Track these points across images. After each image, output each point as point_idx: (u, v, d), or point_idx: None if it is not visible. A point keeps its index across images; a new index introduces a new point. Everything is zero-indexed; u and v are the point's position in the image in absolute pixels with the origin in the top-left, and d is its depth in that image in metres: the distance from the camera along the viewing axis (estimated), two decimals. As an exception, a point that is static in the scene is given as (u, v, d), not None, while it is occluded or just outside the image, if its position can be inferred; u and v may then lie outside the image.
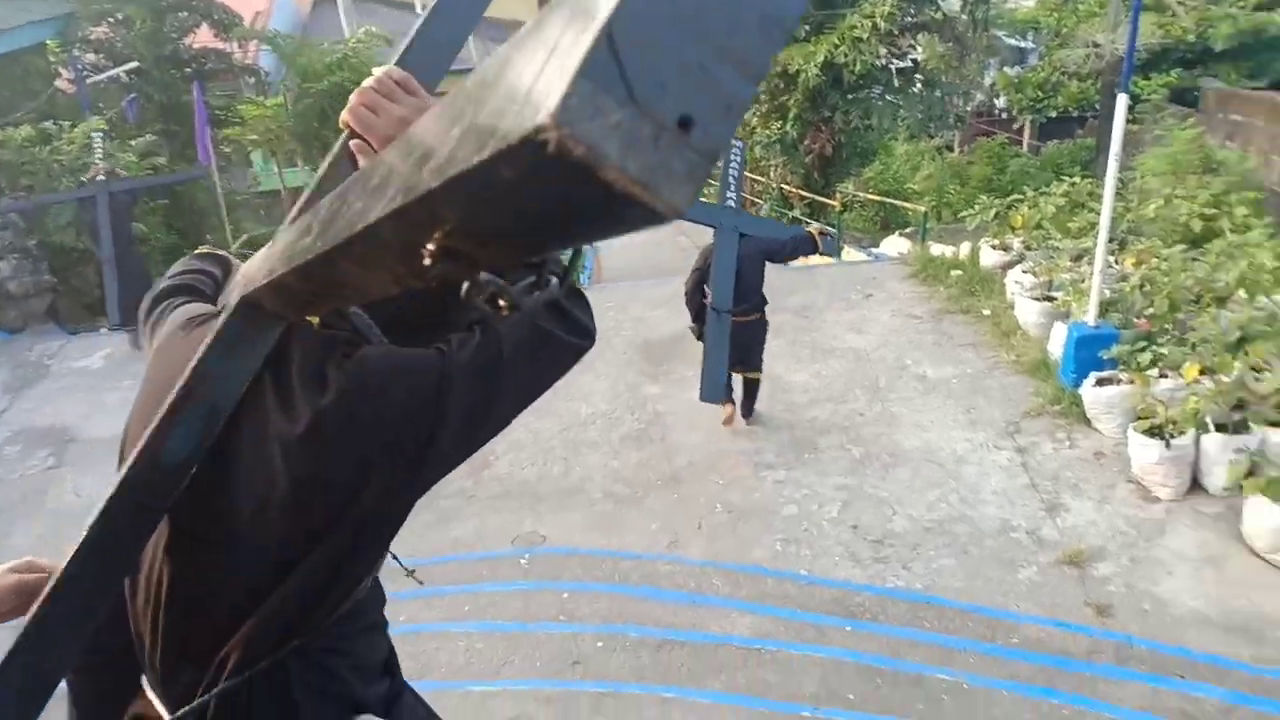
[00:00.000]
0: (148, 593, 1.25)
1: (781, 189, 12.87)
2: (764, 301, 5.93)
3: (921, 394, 6.37)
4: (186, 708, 1.21)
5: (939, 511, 4.95)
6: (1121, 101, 5.30)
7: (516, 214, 0.48)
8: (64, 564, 1.13)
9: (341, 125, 1.15)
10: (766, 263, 5.78)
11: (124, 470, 1.12)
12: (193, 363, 1.10)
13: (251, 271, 1.07)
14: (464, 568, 4.74)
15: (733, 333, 5.58)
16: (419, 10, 22.33)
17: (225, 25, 14.09)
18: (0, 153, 9.21)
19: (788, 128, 11.92)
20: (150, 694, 1.31)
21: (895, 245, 10.60)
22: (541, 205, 0.45)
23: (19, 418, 7.44)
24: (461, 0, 1.32)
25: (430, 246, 0.53)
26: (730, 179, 5.72)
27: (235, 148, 15.28)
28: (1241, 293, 5.99)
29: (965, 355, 6.90)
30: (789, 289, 8.77)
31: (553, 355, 1.28)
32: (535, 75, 0.40)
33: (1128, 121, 11.84)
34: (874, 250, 11.37)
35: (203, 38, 14.48)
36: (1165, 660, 3.56)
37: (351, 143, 1.14)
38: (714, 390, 5.69)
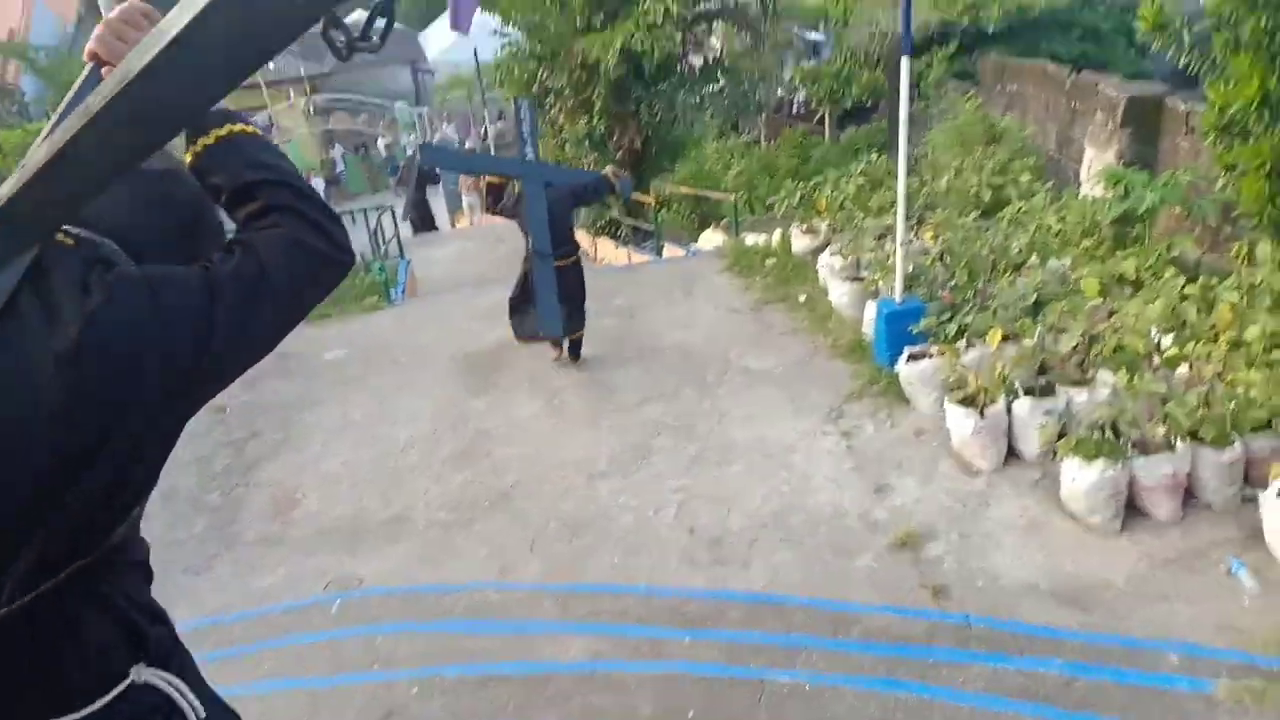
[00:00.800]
0: None
1: (596, 189, 12.73)
2: (577, 247, 6.84)
3: (748, 386, 6.32)
4: None
5: (773, 504, 4.87)
6: (905, 64, 5.38)
7: None
8: None
9: (87, 57, 1.26)
10: (575, 206, 6.82)
11: None
12: None
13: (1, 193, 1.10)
14: (266, 622, 4.25)
15: (558, 281, 6.37)
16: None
17: (-39, 41, 12.58)
18: None
19: (595, 123, 11.77)
20: None
21: (711, 240, 10.65)
22: None
23: None
24: None
25: None
26: (524, 136, 6.44)
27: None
28: (1034, 257, 6.28)
29: (786, 343, 6.93)
30: (613, 291, 8.62)
31: (313, 269, 1.32)
32: None
33: (915, 98, 12.41)
34: (693, 246, 11.40)
35: (-63, 56, 12.89)
36: (1002, 637, 3.57)
37: (103, 69, 1.23)
38: (552, 325, 6.50)
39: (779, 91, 21.57)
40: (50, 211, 1.15)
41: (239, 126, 1.34)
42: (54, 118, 1.27)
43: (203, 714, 1.40)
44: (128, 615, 1.33)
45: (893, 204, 6.14)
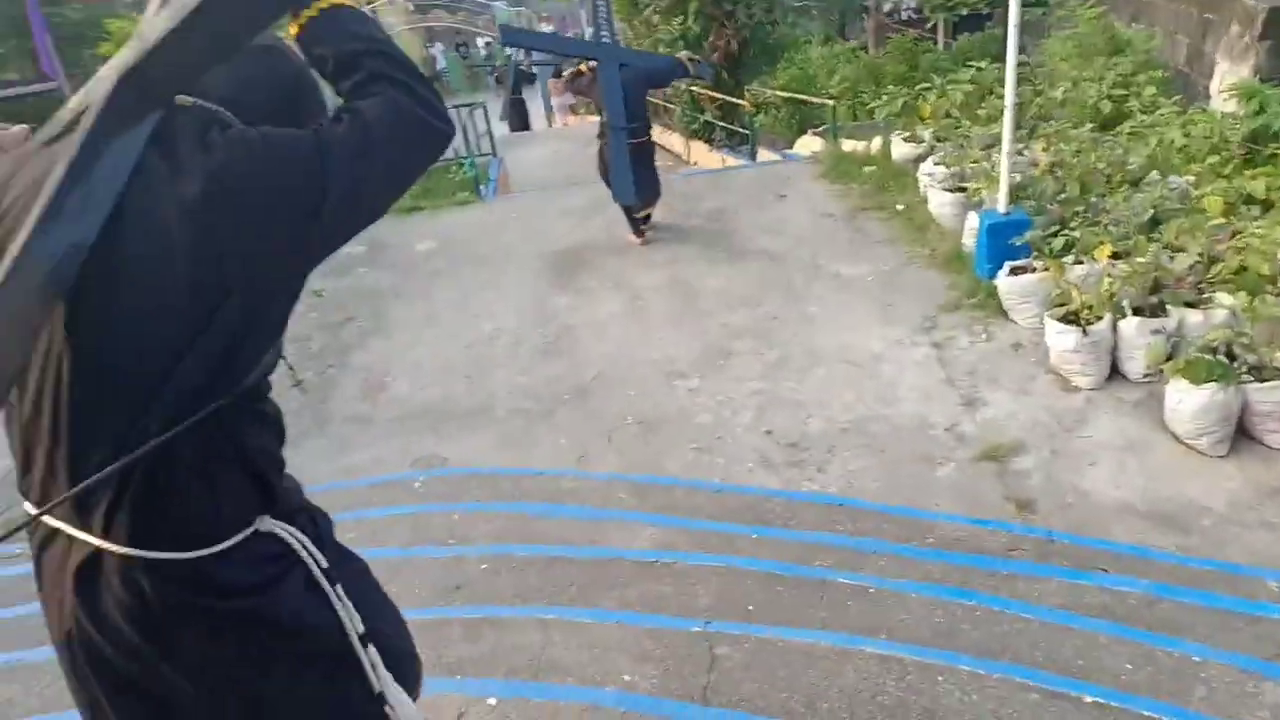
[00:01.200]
0: (40, 394, 1.27)
1: (691, 91, 12.39)
2: (649, 125, 7.35)
3: (836, 293, 6.15)
4: (102, 473, 1.22)
5: (855, 412, 4.77)
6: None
7: None
8: None
9: None
10: (649, 87, 7.27)
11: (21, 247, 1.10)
12: (80, 138, 1.13)
13: (121, 60, 1.15)
14: (353, 494, 4.39)
15: (631, 156, 6.79)
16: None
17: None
18: None
19: (689, 23, 11.39)
20: (60, 523, 1.32)
21: (808, 145, 10.31)
22: None
23: None
24: None
25: None
26: (601, 19, 6.85)
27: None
28: (1154, 173, 5.87)
29: (880, 252, 6.70)
30: (702, 194, 8.46)
31: (416, 136, 1.37)
32: None
33: (1032, 5, 11.65)
34: (787, 151, 11.06)
35: (54, -57, 13.17)
36: (1088, 554, 3.44)
37: None
38: (625, 192, 6.94)
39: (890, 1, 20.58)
40: (174, 76, 1.24)
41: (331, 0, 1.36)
42: None
43: (324, 564, 1.47)
44: (257, 465, 1.40)
45: (1001, 113, 5.80)
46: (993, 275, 5.57)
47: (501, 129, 16.91)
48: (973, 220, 6.06)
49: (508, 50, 23.93)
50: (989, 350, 5.15)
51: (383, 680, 1.53)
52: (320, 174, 1.27)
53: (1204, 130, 6.44)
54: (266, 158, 1.27)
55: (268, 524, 1.42)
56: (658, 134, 13.75)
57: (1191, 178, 5.92)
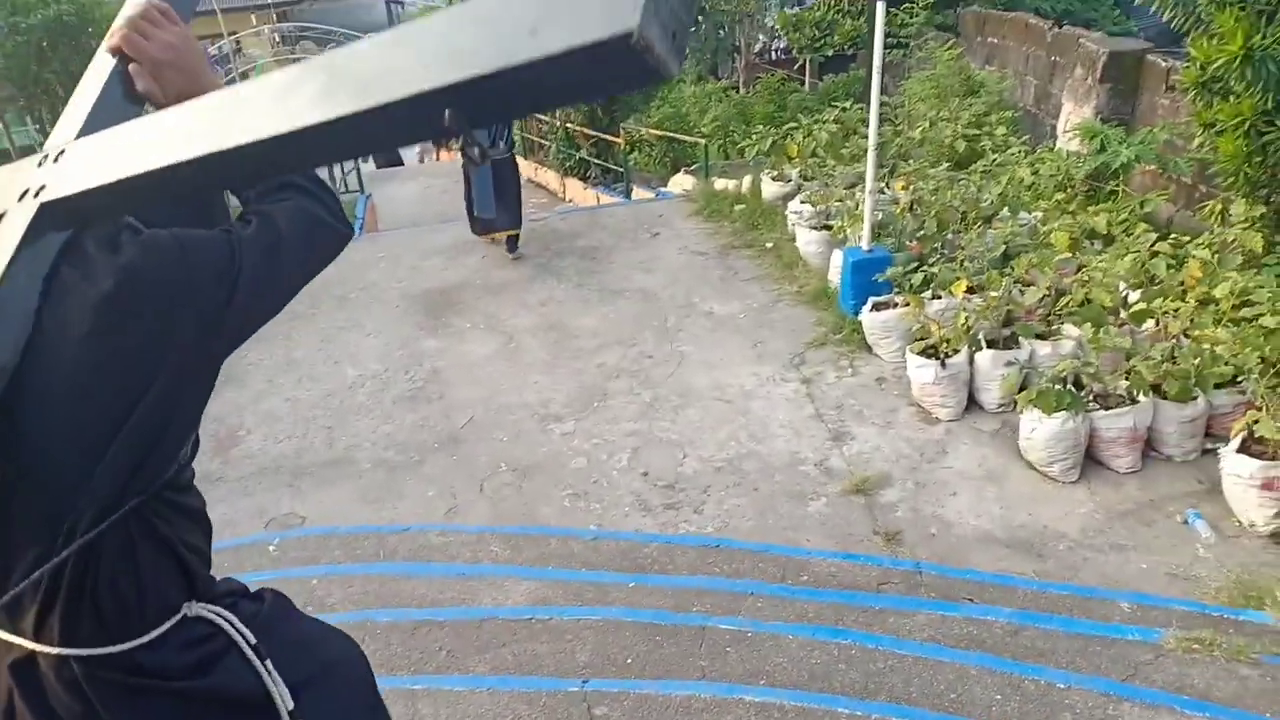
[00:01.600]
0: None
1: (566, 128, 12.41)
2: (512, 145, 7.82)
3: (710, 331, 6.19)
4: (35, 574, 1.25)
5: (729, 450, 4.77)
6: (879, 10, 5.21)
7: (563, 85, 0.81)
8: None
9: (111, 51, 1.32)
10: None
11: None
12: None
13: (58, 179, 1.17)
14: (202, 563, 4.10)
15: (494, 174, 7.26)
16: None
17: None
18: None
19: (564, 61, 11.43)
20: None
21: (681, 183, 10.43)
22: (591, 80, 0.81)
23: None
24: None
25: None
26: None
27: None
28: (1005, 210, 6.15)
29: (751, 289, 6.79)
30: (577, 232, 8.42)
31: (320, 237, 1.45)
32: None
33: (893, 48, 12.17)
34: (661, 189, 11.18)
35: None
36: (954, 584, 3.51)
37: (130, 66, 1.31)
38: (485, 206, 7.45)
39: (760, 38, 21.22)
40: (116, 208, 1.28)
41: None
42: (76, 106, 1.30)
43: (253, 641, 1.48)
44: (182, 556, 1.42)
45: (864, 152, 5.99)
46: (857, 311, 5.71)
47: (369, 164, 16.52)
48: (838, 257, 6.21)
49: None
50: (855, 385, 5.25)
51: None
52: (232, 276, 1.32)
53: (1051, 169, 6.81)
54: (179, 258, 1.30)
55: (195, 609, 1.44)
56: (531, 170, 13.75)
57: (1040, 214, 6.23)
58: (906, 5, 13.65)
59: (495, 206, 7.46)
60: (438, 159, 19.18)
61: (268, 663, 1.49)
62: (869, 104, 5.68)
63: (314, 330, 6.69)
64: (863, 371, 5.39)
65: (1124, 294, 5.07)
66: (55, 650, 1.33)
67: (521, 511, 4.41)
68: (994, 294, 4.96)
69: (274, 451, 5.14)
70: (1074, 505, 4.00)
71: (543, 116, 12.90)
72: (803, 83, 16.80)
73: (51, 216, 1.18)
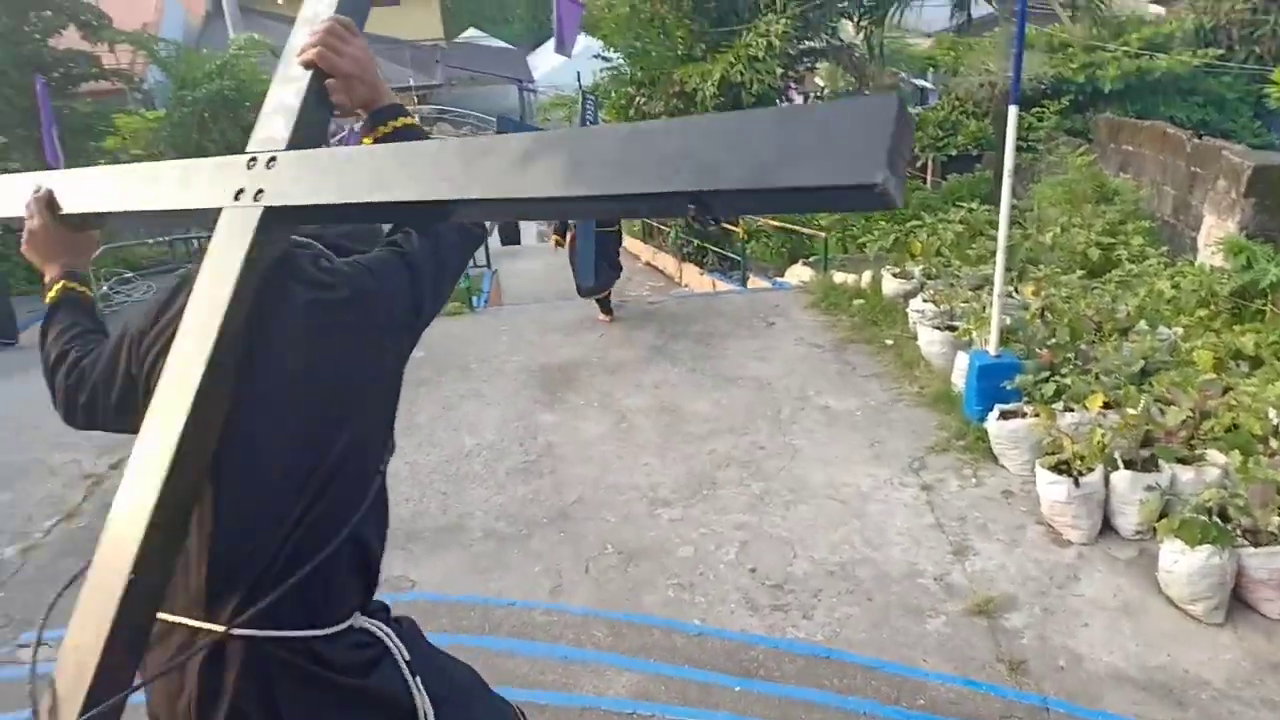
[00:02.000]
0: (201, 498, 1.38)
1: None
2: (618, 220, 8.31)
3: (825, 426, 6.08)
4: (291, 580, 1.38)
5: (843, 554, 4.62)
6: (1011, 113, 5.15)
7: (801, 200, 0.98)
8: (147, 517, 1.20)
9: (305, 65, 1.42)
10: None
11: (192, 393, 1.24)
12: (227, 290, 1.26)
13: (287, 185, 1.28)
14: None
15: (597, 242, 7.86)
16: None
17: (94, 27, 13.13)
18: None
19: (690, 150, 11.66)
20: (181, 618, 1.43)
21: (799, 274, 10.44)
22: (814, 204, 1.01)
23: None
24: None
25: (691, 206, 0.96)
26: (587, 119, 8.19)
27: (110, 160, 14.27)
28: (1142, 323, 5.92)
29: (869, 386, 6.67)
30: (691, 317, 8.48)
31: (468, 240, 1.73)
32: (861, 145, 0.86)
33: (1023, 150, 12.04)
34: (778, 279, 11.20)
35: (71, 40, 13.49)
36: (1085, 726, 3.27)
37: (327, 81, 1.44)
38: (585, 275, 8.00)
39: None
40: (328, 220, 1.56)
41: (405, 120, 1.57)
42: (275, 113, 1.41)
43: (407, 656, 1.62)
44: (370, 562, 1.62)
45: (991, 254, 5.88)
46: (982, 417, 5.52)
47: (495, 241, 17.12)
48: (962, 360, 6.06)
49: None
50: (979, 496, 5.05)
51: None
52: (416, 285, 1.58)
53: (1192, 283, 6.54)
54: (381, 275, 1.55)
55: (360, 621, 1.58)
56: (650, 254, 14.02)
57: (1180, 330, 5.97)
58: (1036, 109, 13.54)
59: (595, 273, 8.13)
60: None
61: (417, 678, 1.63)
62: (998, 205, 5.59)
63: (437, 397, 6.87)
64: (987, 482, 5.18)
65: (1275, 422, 4.76)
66: (252, 632, 1.41)
67: (626, 597, 4.35)
68: (1132, 412, 4.74)
69: (392, 513, 5.23)
70: (1219, 650, 3.70)
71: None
72: (924, 181, 16.74)
73: (274, 219, 1.29)
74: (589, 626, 4.11)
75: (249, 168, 1.30)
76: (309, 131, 1.39)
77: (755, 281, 11.30)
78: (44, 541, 5.11)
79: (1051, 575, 4.25)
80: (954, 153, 16.32)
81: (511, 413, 6.55)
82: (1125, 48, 14.88)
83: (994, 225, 5.69)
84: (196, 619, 1.42)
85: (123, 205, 1.48)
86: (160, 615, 1.37)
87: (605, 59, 12.79)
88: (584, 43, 13.40)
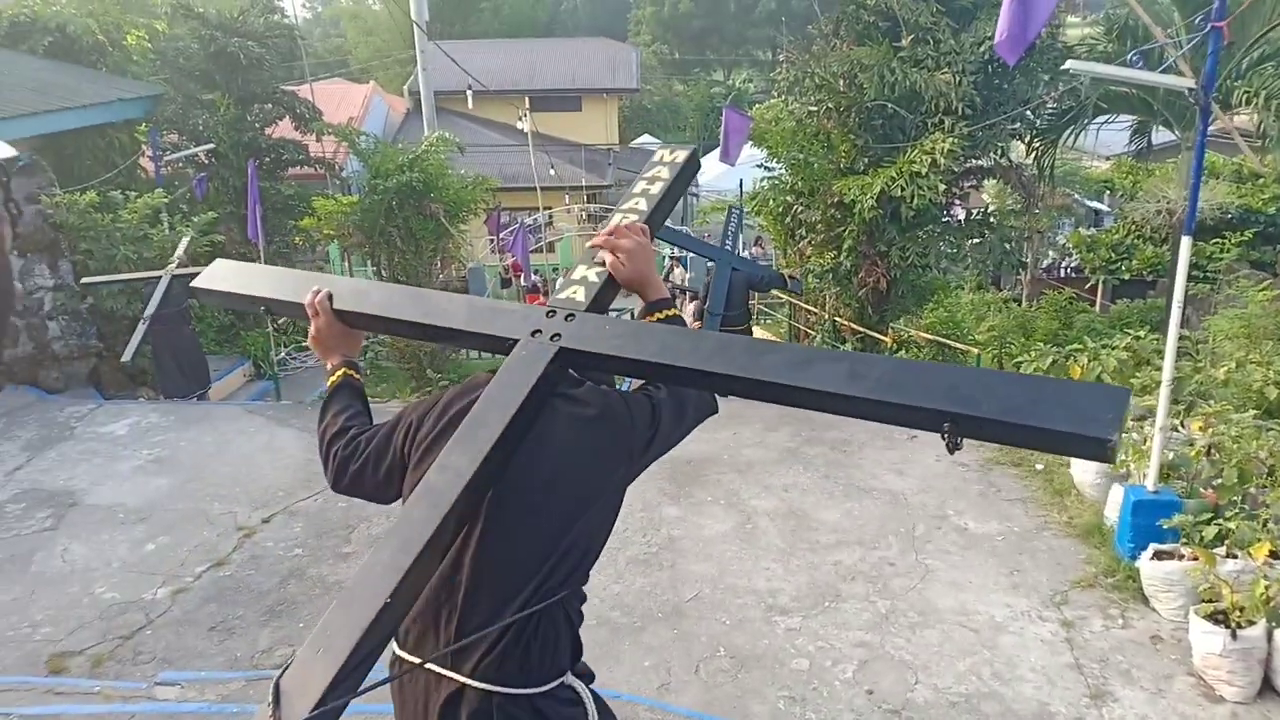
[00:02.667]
0: (451, 573, 1.74)
1: (834, 321, 12.55)
2: (749, 317, 8.92)
3: (961, 549, 5.82)
4: (492, 627, 1.70)
5: (968, 684, 4.37)
6: (1185, 244, 4.94)
7: (1034, 438, 1.28)
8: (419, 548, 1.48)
9: (593, 247, 1.93)
10: (750, 290, 8.85)
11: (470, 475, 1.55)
12: (520, 396, 1.62)
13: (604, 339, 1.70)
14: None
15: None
16: (518, 124, 23.37)
17: (306, 120, 14.61)
18: (66, 216, 9.42)
19: (842, 259, 11.67)
20: (432, 665, 1.77)
21: (948, 389, 10.15)
22: (1048, 444, 1.30)
23: (31, 476, 7.30)
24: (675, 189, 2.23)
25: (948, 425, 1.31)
26: (729, 233, 8.90)
27: (305, 238, 15.63)
28: (1324, 471, 5.42)
29: (1013, 511, 6.35)
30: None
31: (703, 407, 2.01)
32: (1103, 411, 1.22)
33: (1199, 281, 11.42)
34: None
35: (285, 129, 15.05)
36: None
37: (607, 259, 1.88)
38: (718, 303, 8.45)
39: (1050, 254, 20.65)
40: (607, 370, 1.90)
41: (670, 311, 1.94)
42: (575, 281, 1.88)
43: (595, 715, 1.88)
44: (576, 633, 1.88)
45: (1157, 384, 5.56)
46: (1134, 556, 5.17)
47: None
48: (1117, 493, 5.71)
49: (665, 261, 25.42)
50: (1124, 638, 4.68)
51: None
52: (654, 424, 1.87)
53: (1383, 431, 5.96)
54: (626, 409, 1.85)
55: (569, 679, 1.85)
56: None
57: (1368, 482, 5.42)
58: (1216, 240, 12.84)
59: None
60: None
61: None
62: (1166, 332, 5.32)
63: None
64: (1135, 625, 4.81)
65: None
66: (486, 686, 1.74)
67: (734, 703, 4.26)
68: (1306, 565, 4.32)
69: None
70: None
71: (812, 308, 13.16)
72: (1093, 303, 16.06)
73: (564, 358, 1.68)
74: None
75: (549, 316, 1.73)
76: (599, 303, 1.84)
77: (902, 394, 11.04)
78: (193, 585, 5.49)
79: (1201, 735, 3.87)
80: (1127, 276, 15.64)
81: (638, 502, 6.60)
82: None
83: (1161, 354, 5.41)
84: (443, 667, 1.76)
85: (414, 318, 1.89)
86: (413, 658, 1.78)
87: (768, 169, 13.08)
88: (749, 153, 13.78)
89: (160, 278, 9.67)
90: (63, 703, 4.22)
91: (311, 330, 2.02)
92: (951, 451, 1.37)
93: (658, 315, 1.90)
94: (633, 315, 2.54)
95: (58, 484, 7.13)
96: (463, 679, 1.74)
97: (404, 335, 2.13)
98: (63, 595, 5.35)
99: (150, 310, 9.62)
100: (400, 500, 1.85)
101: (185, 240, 10.13)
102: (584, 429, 1.78)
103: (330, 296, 1.98)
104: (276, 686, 1.33)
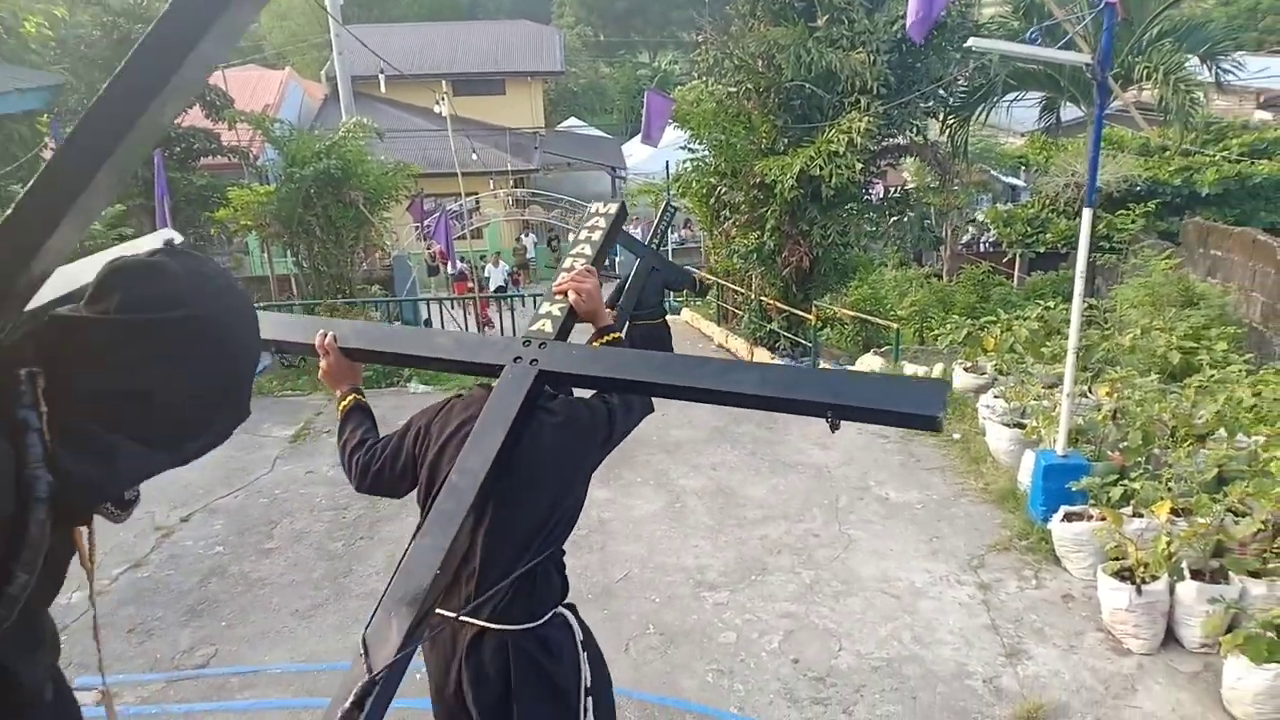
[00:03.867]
0: (468, 545, 2.20)
1: (760, 300, 12.69)
2: (664, 311, 8.76)
3: (882, 518, 5.95)
4: (504, 582, 2.20)
5: (890, 649, 4.48)
6: (1086, 215, 5.11)
7: (884, 418, 1.80)
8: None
9: (558, 292, 2.33)
10: (665, 288, 8.69)
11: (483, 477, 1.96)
12: (513, 411, 2.01)
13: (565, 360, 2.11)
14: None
15: (638, 332, 7.86)
16: (436, 108, 22.94)
17: (217, 108, 14.15)
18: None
19: (765, 239, 11.79)
20: (456, 615, 2.27)
21: (869, 363, 10.34)
22: (898, 422, 1.77)
23: None
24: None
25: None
26: (659, 230, 8.53)
27: (221, 229, 15.15)
28: (1221, 430, 5.67)
29: (932, 480, 6.52)
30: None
31: (645, 411, 2.48)
32: (934, 397, 1.74)
33: (1107, 251, 11.83)
34: (847, 366, 11.11)
35: (195, 119, 14.54)
36: None
37: (571, 299, 2.31)
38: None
39: (969, 230, 21.15)
40: (580, 385, 2.34)
41: (614, 335, 2.36)
42: (545, 316, 2.28)
43: (581, 637, 2.42)
44: (565, 576, 2.44)
45: (1067, 352, 5.75)
46: (1047, 518, 5.35)
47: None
48: (1029, 459, 5.89)
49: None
50: (1038, 598, 4.85)
51: None
52: (610, 422, 2.36)
53: (1276, 390, 6.26)
54: (593, 410, 2.35)
55: (561, 610, 2.39)
56: (723, 337, 14.10)
57: (1261, 439, 5.69)
58: (1122, 211, 13.30)
59: None
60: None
61: (585, 653, 2.41)
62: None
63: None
64: (1048, 585, 4.98)
65: (1362, 538, 4.48)
66: (501, 627, 2.28)
67: (663, 679, 4.29)
68: (1203, 520, 4.53)
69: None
70: (1289, 778, 3.45)
71: (738, 288, 13.28)
72: (1009, 276, 16.51)
73: (543, 378, 2.07)
74: (622, 708, 4.01)
75: (525, 345, 2.12)
76: (563, 332, 2.25)
77: (826, 368, 11.24)
78: (110, 588, 5.31)
79: (1108, 685, 4.04)
80: (1042, 250, 16.10)
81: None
82: (1225, 153, 14.61)
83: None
84: (468, 617, 2.26)
85: (409, 351, 2.26)
86: (441, 612, 2.22)
87: (691, 150, 13.12)
88: (674, 135, 13.80)
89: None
90: (-32, 716, 4.05)
91: (323, 366, 2.38)
92: (833, 430, 1.78)
93: (606, 339, 2.33)
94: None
95: None
96: (482, 623, 2.27)
97: (401, 365, 2.57)
98: (-33, 606, 5.12)
99: None
100: (414, 490, 2.38)
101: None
102: (558, 431, 2.26)
103: (335, 338, 2.33)
104: (364, 640, 1.69)
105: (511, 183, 26.51)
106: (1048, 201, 16.22)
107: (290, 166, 12.59)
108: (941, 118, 12.62)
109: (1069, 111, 14.58)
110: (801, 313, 11.82)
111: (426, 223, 17.63)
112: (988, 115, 12.95)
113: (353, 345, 2.32)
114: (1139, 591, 4.25)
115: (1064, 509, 5.22)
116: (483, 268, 21.94)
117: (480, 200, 25.21)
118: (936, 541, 5.58)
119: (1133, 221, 12.66)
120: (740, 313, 13.63)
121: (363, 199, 12.71)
